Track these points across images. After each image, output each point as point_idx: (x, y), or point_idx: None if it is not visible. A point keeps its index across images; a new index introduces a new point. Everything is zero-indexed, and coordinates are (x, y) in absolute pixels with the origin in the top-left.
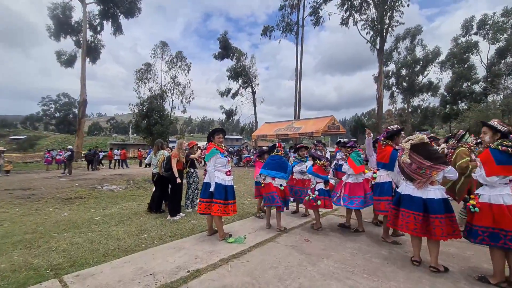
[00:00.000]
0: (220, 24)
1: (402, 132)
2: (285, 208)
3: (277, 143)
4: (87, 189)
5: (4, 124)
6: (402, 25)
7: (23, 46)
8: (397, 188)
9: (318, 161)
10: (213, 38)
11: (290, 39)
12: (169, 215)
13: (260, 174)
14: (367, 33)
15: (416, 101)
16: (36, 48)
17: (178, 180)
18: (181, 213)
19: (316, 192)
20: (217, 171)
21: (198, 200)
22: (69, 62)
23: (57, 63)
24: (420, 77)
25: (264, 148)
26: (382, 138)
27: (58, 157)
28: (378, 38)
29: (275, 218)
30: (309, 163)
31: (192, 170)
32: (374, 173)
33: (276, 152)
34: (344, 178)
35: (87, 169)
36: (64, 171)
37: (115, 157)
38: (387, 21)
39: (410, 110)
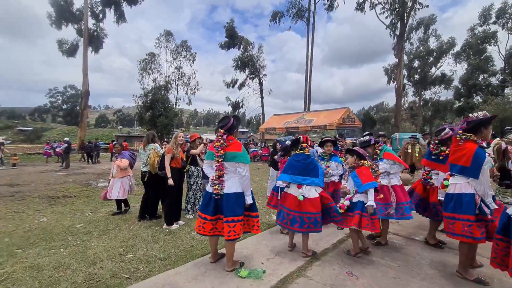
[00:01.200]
0: (226, 15)
1: (492, 120)
2: (319, 228)
3: (301, 136)
4: (80, 186)
5: (12, 116)
6: (426, 8)
7: (30, 38)
8: (483, 203)
9: (365, 162)
10: (218, 30)
11: (297, 30)
12: (164, 224)
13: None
14: (386, 17)
15: (427, 94)
16: (43, 40)
17: (170, 182)
18: (180, 221)
19: (355, 208)
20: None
21: (198, 205)
22: (71, 51)
23: (61, 54)
24: (433, 69)
25: (288, 142)
26: (460, 131)
27: (58, 149)
28: (399, 23)
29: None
30: (333, 164)
31: (193, 168)
32: (446, 179)
33: (301, 150)
34: (384, 181)
35: (85, 162)
36: (62, 164)
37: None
38: (409, 4)
39: (421, 103)
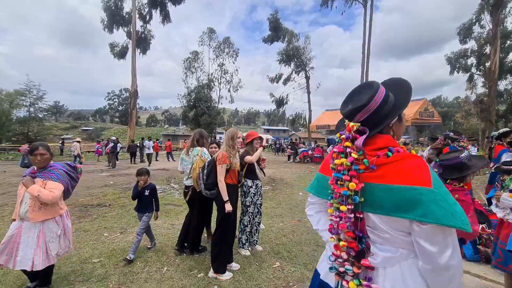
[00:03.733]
0: (265, 14)
1: None
2: None
3: None
4: (119, 191)
5: (78, 117)
6: None
7: (92, 47)
8: None
9: None
10: (258, 29)
11: (340, 24)
12: (211, 269)
13: None
14: None
15: (502, 85)
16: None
17: (228, 208)
18: (233, 265)
19: None
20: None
21: (258, 235)
22: (121, 54)
23: (113, 57)
24: (511, 55)
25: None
26: None
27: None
28: None
29: None
30: None
31: (249, 182)
32: None
33: None
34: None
35: (130, 162)
36: (109, 164)
37: (146, 150)
38: None
39: (494, 95)
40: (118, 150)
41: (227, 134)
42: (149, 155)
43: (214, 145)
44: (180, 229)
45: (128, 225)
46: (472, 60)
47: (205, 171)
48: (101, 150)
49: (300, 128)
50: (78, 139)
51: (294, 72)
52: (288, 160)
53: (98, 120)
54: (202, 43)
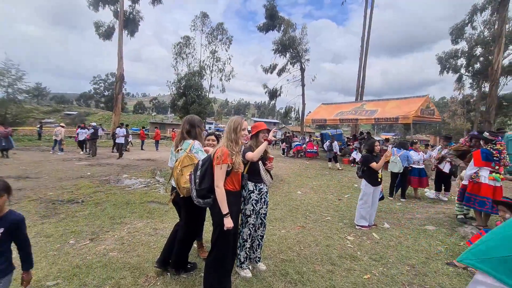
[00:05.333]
0: (260, 3)
1: None
2: None
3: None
4: (96, 184)
5: (62, 101)
6: None
7: (79, 28)
8: None
9: None
10: (252, 19)
11: (333, 18)
12: None
13: None
14: None
15: (488, 87)
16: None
17: (228, 224)
18: None
19: None
20: None
21: (260, 251)
22: (107, 34)
23: (98, 37)
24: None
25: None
26: None
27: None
28: None
29: None
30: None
31: (251, 185)
32: None
33: None
34: None
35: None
36: (88, 152)
37: (117, 139)
38: None
39: (479, 96)
40: (98, 137)
41: (229, 125)
42: (119, 145)
43: (212, 137)
44: (167, 237)
45: (102, 229)
46: (462, 61)
47: (198, 173)
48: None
49: (290, 122)
50: (62, 123)
51: (289, 63)
52: (282, 154)
53: (82, 104)
54: (195, 28)
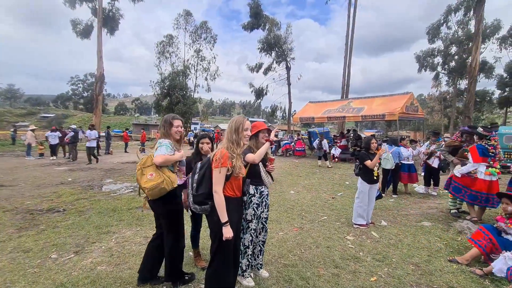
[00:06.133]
0: (243, 2)
1: None
2: None
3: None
4: (78, 190)
5: (38, 103)
6: None
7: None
8: None
9: None
10: (235, 18)
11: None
12: None
13: None
14: None
15: (463, 84)
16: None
17: (227, 234)
18: None
19: None
20: None
21: (262, 257)
22: (85, 32)
23: (76, 36)
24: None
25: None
26: None
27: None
28: None
29: None
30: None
31: (251, 189)
32: None
33: None
34: None
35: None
36: (69, 156)
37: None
38: None
39: (473, 92)
40: (78, 140)
41: (230, 125)
42: (91, 149)
43: (207, 139)
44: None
45: (87, 240)
46: (438, 59)
47: (196, 177)
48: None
49: (275, 121)
50: (32, 127)
51: (275, 62)
52: (271, 153)
53: (60, 106)
54: (178, 26)
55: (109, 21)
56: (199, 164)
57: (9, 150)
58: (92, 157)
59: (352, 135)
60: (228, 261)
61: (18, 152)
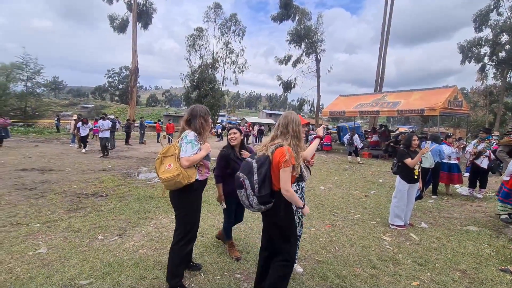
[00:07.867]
0: None
1: None
2: None
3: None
4: (118, 177)
5: (78, 94)
6: None
7: (92, 21)
8: None
9: None
10: (263, 10)
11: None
12: None
13: None
14: None
15: None
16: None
17: (307, 211)
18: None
19: None
20: None
21: (297, 252)
22: (121, 27)
23: (113, 30)
24: None
25: None
26: None
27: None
28: None
29: None
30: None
31: (293, 186)
32: None
33: None
34: None
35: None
36: (108, 144)
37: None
38: None
39: (504, 87)
40: (116, 130)
41: (287, 119)
42: (103, 140)
43: (234, 130)
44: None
45: (128, 224)
46: (486, 49)
47: (256, 177)
48: (97, 129)
49: (303, 114)
50: (75, 116)
51: (304, 54)
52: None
53: (98, 97)
54: (208, 19)
55: (143, 15)
56: (255, 163)
57: (55, 137)
58: (104, 150)
59: (383, 130)
60: (295, 253)
61: (63, 140)
